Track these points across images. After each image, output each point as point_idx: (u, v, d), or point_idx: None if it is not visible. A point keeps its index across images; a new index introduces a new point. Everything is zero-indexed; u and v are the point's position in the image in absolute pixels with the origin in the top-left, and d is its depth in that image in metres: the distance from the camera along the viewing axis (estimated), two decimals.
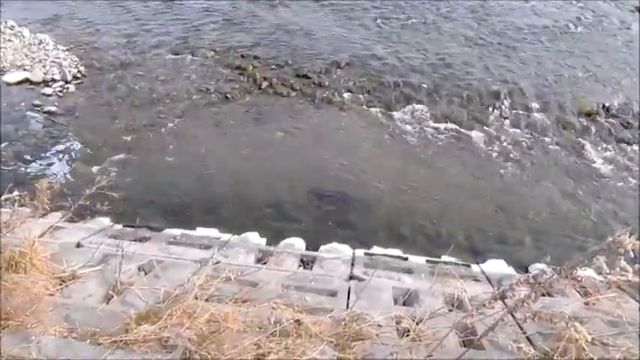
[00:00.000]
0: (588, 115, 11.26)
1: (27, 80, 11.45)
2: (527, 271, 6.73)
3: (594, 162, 9.93)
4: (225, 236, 6.87)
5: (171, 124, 10.29)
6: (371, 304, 4.16)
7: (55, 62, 12.01)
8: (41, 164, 9.03)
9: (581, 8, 16.82)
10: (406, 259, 6.56)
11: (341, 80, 12.08)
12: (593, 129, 10.84)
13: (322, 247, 6.94)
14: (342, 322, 3.57)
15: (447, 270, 5.50)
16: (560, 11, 16.63)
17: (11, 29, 13.09)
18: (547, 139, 10.50)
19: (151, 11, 15.43)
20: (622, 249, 2.31)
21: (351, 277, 5.30)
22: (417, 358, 3.24)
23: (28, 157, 9.17)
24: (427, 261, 6.48)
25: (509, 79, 12.45)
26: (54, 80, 11.46)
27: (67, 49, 12.75)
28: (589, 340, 2.78)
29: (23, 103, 10.65)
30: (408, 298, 4.79)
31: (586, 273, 3.78)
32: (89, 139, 9.76)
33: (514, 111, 11.29)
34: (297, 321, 3.43)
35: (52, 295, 3.98)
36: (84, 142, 9.67)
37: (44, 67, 11.81)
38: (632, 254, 2.34)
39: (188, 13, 15.28)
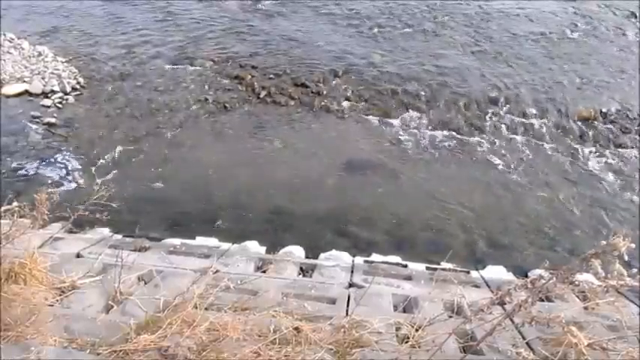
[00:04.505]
0: (586, 120, 11.30)
1: (26, 92, 11.47)
2: (526, 276, 6.73)
3: (593, 167, 9.95)
4: (225, 245, 6.88)
5: (170, 135, 10.32)
6: (370, 311, 4.16)
7: (54, 74, 12.04)
8: (40, 175, 9.05)
9: (577, 14, 16.90)
10: (405, 266, 6.56)
11: (339, 89, 12.12)
12: (591, 134, 10.87)
13: (322, 255, 6.95)
14: (342, 330, 3.58)
15: (446, 276, 5.51)
16: (556, 17, 16.72)
17: (10, 41, 13.13)
18: (545, 145, 10.52)
19: (150, 22, 15.49)
20: (616, 252, 2.33)
21: (351, 285, 5.32)
22: None
23: (28, 169, 9.19)
24: (427, 268, 6.49)
25: (506, 85, 12.50)
26: (53, 92, 11.48)
27: (66, 61, 12.80)
28: (586, 344, 2.79)
29: (22, 115, 10.68)
30: (407, 305, 4.80)
31: (584, 277, 3.79)
32: (88, 149, 9.78)
33: (512, 117, 11.32)
34: (297, 329, 3.43)
35: (51, 305, 3.99)
36: (83, 153, 9.70)
37: (43, 78, 11.84)
38: (626, 257, 2.35)
39: (186, 24, 15.33)
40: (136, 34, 14.68)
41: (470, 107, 11.58)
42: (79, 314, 3.87)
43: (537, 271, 6.83)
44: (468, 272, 6.52)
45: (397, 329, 3.81)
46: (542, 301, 4.41)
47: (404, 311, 4.66)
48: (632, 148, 10.52)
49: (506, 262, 7.41)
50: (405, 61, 13.54)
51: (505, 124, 11.12)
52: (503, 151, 10.24)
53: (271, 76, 12.56)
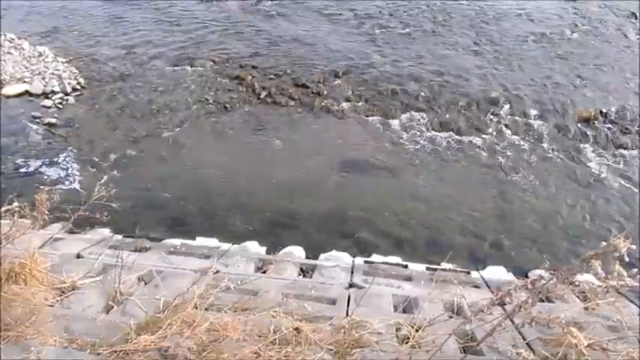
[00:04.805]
0: (586, 120, 11.30)
1: (27, 92, 11.50)
2: (527, 276, 6.72)
3: (593, 168, 9.95)
4: (225, 245, 6.88)
5: (170, 135, 10.32)
6: (371, 312, 4.16)
7: (54, 74, 12.06)
8: (41, 175, 9.05)
9: (578, 15, 16.90)
10: (406, 266, 6.56)
11: (339, 89, 12.13)
12: (592, 135, 10.87)
13: (322, 256, 6.94)
14: (342, 330, 3.57)
15: (446, 277, 5.50)
16: (557, 18, 16.72)
17: (11, 42, 13.14)
18: (545, 145, 10.53)
19: (151, 23, 15.50)
20: (617, 253, 2.33)
21: (351, 285, 5.31)
22: None
23: (28, 169, 9.20)
24: (427, 268, 6.48)
25: (507, 85, 12.50)
26: (53, 92, 11.50)
27: (66, 61, 12.81)
28: (586, 344, 2.78)
29: (23, 115, 10.69)
30: (407, 305, 4.80)
31: (584, 277, 3.78)
32: (89, 150, 9.79)
33: (512, 117, 11.33)
34: (297, 329, 3.42)
35: (51, 305, 3.98)
36: (83, 153, 9.71)
37: (44, 79, 11.86)
38: (627, 258, 2.35)
39: (187, 25, 15.35)
40: (137, 34, 14.70)
41: (470, 108, 11.58)
42: (79, 314, 3.86)
43: (537, 272, 6.82)
44: (468, 273, 6.51)
45: (397, 330, 3.81)
46: (543, 301, 4.41)
47: (404, 312, 4.65)
48: (633, 148, 10.52)
49: (506, 263, 7.42)
50: (405, 61, 13.54)
51: (505, 124, 11.12)
52: (503, 152, 10.24)
53: (272, 76, 12.57)
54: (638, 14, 16.91)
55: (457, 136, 10.65)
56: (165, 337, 3.20)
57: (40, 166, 9.32)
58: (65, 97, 11.42)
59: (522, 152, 10.30)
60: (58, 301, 4.13)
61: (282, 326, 3.43)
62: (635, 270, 2.67)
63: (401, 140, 10.49)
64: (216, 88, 12.07)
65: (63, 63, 12.69)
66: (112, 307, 4.20)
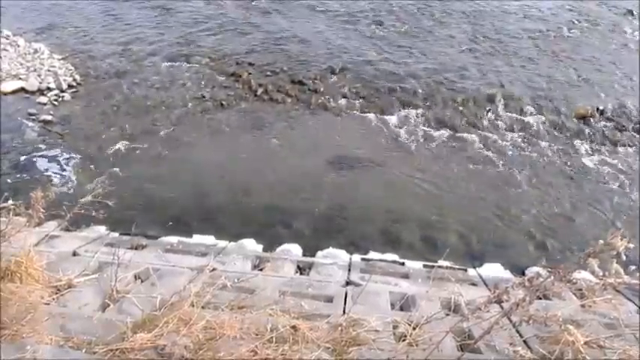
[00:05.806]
0: (583, 118, 11.30)
1: (22, 89, 11.43)
2: (524, 274, 6.74)
3: (589, 165, 9.95)
4: (222, 243, 6.86)
5: (166, 132, 10.28)
6: (368, 309, 4.16)
7: (50, 71, 12.00)
8: (36, 173, 9.00)
9: (574, 12, 16.92)
10: (403, 263, 6.56)
11: (336, 86, 12.10)
12: (588, 132, 10.88)
13: (319, 253, 6.95)
14: (339, 328, 3.57)
15: (443, 274, 5.50)
16: (554, 15, 16.73)
17: (6, 38, 13.08)
18: (542, 143, 10.52)
19: (147, 19, 15.45)
20: (614, 251, 2.33)
21: (348, 283, 5.31)
22: None
23: (24, 166, 9.15)
24: (424, 265, 6.49)
25: (503, 83, 12.50)
26: (49, 89, 11.43)
27: (62, 58, 12.75)
28: (582, 342, 2.79)
29: (18, 113, 10.63)
30: (404, 303, 4.79)
31: (581, 275, 3.79)
32: (84, 147, 9.74)
33: (509, 114, 11.32)
34: (294, 327, 3.42)
35: (47, 304, 3.97)
36: (79, 150, 9.66)
37: (39, 76, 11.79)
38: (624, 257, 2.35)
39: (183, 21, 15.30)
40: (133, 31, 14.64)
41: (467, 105, 11.58)
42: (75, 313, 3.85)
43: (535, 269, 6.87)
44: (466, 270, 6.53)
45: (394, 327, 3.81)
46: (540, 299, 4.41)
47: (401, 309, 4.65)
48: (629, 146, 10.53)
49: (503, 260, 7.41)
50: (402, 58, 13.53)
51: (502, 121, 11.12)
52: (500, 149, 10.23)
53: (268, 73, 12.53)
54: (635, 12, 16.93)
55: (454, 133, 10.64)
56: (162, 335, 3.19)
57: (36, 163, 9.26)
58: (61, 94, 11.36)
59: (519, 149, 10.30)
60: (54, 299, 4.11)
61: (279, 324, 3.43)
62: (633, 267, 2.68)
63: (398, 137, 10.47)
64: (212, 84, 12.04)
65: (59, 60, 12.63)
66: (109, 305, 4.20)
